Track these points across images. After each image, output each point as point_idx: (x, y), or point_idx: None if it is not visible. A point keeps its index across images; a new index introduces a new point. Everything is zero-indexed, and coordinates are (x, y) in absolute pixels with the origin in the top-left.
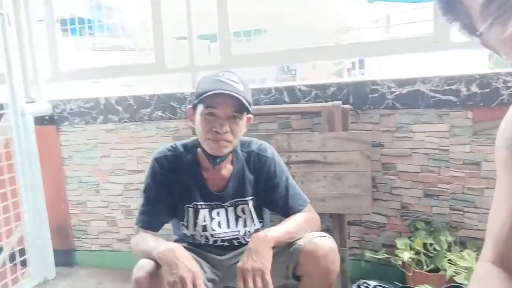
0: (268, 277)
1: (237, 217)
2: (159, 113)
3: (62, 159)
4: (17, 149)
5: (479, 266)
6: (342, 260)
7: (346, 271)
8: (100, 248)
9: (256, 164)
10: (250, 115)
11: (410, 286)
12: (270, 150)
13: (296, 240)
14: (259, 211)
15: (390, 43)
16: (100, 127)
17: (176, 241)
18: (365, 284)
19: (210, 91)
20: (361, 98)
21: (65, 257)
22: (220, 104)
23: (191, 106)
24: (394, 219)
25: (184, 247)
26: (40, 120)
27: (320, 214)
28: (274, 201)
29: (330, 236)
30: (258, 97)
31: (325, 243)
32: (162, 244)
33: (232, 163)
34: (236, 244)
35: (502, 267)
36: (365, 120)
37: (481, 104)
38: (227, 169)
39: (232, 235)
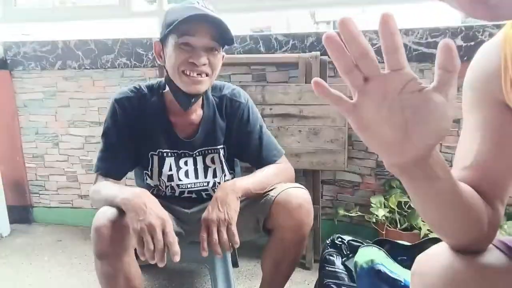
0: (234, 228)
1: (206, 167)
2: (124, 60)
3: (17, 108)
4: None
5: None
6: (315, 217)
7: (319, 229)
8: (59, 205)
9: (228, 109)
10: (223, 53)
11: (386, 238)
12: (244, 95)
13: (268, 191)
14: (230, 161)
15: None
16: (58, 74)
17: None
18: (339, 239)
19: (183, 16)
20: None
21: (21, 213)
22: (197, 32)
23: (158, 40)
24: (369, 178)
25: None
26: None
27: (294, 171)
28: (246, 151)
29: (304, 187)
30: (232, 47)
31: (299, 194)
32: (127, 190)
33: (202, 107)
34: (204, 196)
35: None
36: None
37: (465, 58)
38: (197, 114)
39: (201, 186)
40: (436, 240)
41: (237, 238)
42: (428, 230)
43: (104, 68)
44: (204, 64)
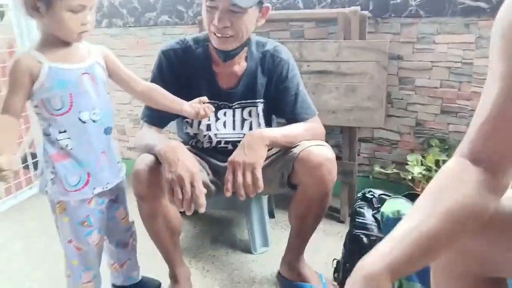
0: (259, 172)
1: (243, 120)
2: (165, 17)
3: None
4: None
5: (452, 160)
6: (350, 174)
7: (353, 184)
8: None
9: (269, 65)
10: (266, 5)
11: (416, 192)
12: (285, 52)
13: (292, 147)
14: (267, 116)
15: None
16: (105, 32)
17: (182, 142)
18: (371, 192)
19: None
20: (382, 4)
21: None
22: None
23: None
24: (408, 136)
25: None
26: None
27: (331, 127)
28: (281, 106)
29: (328, 145)
30: (269, 2)
31: (321, 152)
32: (165, 141)
33: (246, 60)
34: None
35: (476, 163)
36: (385, 29)
37: None
38: (240, 66)
39: (236, 138)
40: None
41: (261, 183)
42: None
43: (147, 26)
44: (225, 27)
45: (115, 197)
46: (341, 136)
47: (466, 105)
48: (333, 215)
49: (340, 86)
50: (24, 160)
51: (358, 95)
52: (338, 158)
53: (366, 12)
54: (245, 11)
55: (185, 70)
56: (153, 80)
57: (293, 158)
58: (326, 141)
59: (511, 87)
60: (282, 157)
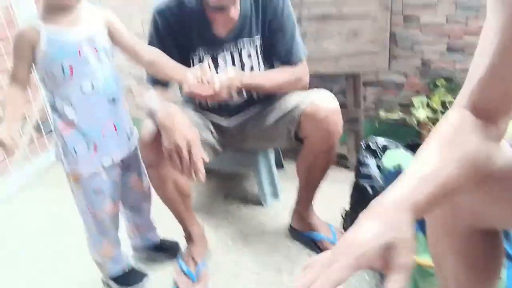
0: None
1: (243, 63)
2: None
3: None
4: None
5: (453, 111)
6: (356, 120)
7: (360, 131)
8: None
9: (265, 2)
10: None
11: (418, 142)
12: None
13: (298, 102)
14: (266, 52)
15: None
16: None
17: (185, 102)
18: (374, 141)
19: None
20: None
21: None
22: None
23: None
24: (414, 77)
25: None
26: None
27: (334, 74)
28: (276, 44)
29: (332, 96)
30: None
31: (326, 104)
32: (163, 106)
33: (240, 2)
34: (243, 93)
35: (475, 113)
36: None
37: None
38: (235, 8)
39: None
40: None
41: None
42: None
43: None
44: None
45: (127, 165)
46: (344, 83)
47: (474, 41)
48: (341, 162)
49: (342, 31)
50: (38, 127)
51: (361, 39)
52: (343, 105)
53: None
54: None
55: (181, 26)
56: (151, 42)
57: (299, 113)
58: (330, 88)
59: (510, 37)
60: (287, 113)
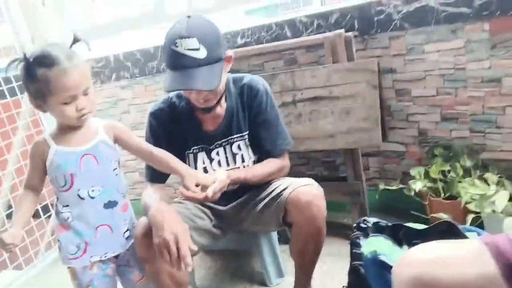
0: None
1: (234, 154)
2: None
3: None
4: (43, 115)
5: None
6: (358, 193)
7: (364, 203)
8: (137, 197)
9: (248, 98)
10: (228, 54)
11: (402, 224)
12: (262, 84)
13: (283, 190)
14: (254, 144)
15: None
16: (115, 85)
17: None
18: (365, 221)
19: (171, 68)
20: (367, 22)
21: None
22: (187, 92)
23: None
24: (413, 146)
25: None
26: None
27: (331, 150)
28: (261, 137)
29: (315, 183)
30: (259, 35)
31: (308, 191)
32: (156, 204)
33: (226, 99)
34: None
35: None
36: (374, 45)
37: (498, 13)
38: (222, 107)
39: None
40: (446, 223)
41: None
42: (470, 198)
43: (152, 74)
44: (205, 100)
45: (127, 262)
46: (343, 158)
47: (466, 110)
48: (348, 234)
49: (334, 110)
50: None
51: (353, 117)
52: (343, 179)
53: (350, 34)
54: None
55: (173, 125)
56: (147, 140)
57: (284, 200)
58: (333, 161)
59: None
60: (275, 200)
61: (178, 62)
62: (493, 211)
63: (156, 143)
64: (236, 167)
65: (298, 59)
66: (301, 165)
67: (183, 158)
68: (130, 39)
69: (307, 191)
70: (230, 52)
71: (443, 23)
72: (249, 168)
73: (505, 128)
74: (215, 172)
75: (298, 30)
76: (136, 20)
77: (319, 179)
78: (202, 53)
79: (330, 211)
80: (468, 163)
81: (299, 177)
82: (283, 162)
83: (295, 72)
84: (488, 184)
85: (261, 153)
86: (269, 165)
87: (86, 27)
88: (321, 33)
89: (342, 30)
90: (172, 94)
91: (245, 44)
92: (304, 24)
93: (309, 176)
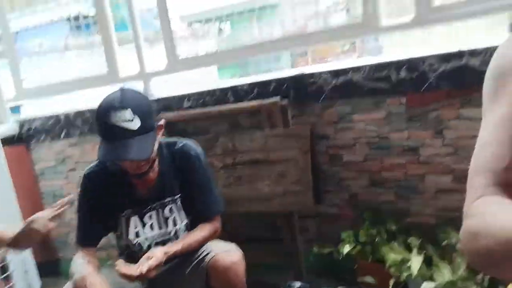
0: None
1: (166, 218)
2: None
3: (36, 175)
4: None
5: (483, 199)
6: (293, 255)
7: (300, 266)
8: None
9: (181, 162)
10: (160, 122)
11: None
12: (195, 148)
13: (204, 255)
14: (187, 206)
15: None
16: (64, 142)
17: (119, 254)
18: (291, 284)
19: (105, 140)
20: (302, 91)
21: (50, 268)
22: (121, 162)
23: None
24: (346, 209)
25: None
26: (10, 140)
27: (267, 213)
28: (194, 201)
29: (234, 248)
30: (204, 100)
31: (227, 257)
32: (81, 271)
33: (159, 163)
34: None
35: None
36: (308, 113)
37: (412, 89)
38: (154, 171)
39: (164, 236)
40: None
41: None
42: (392, 263)
43: None
44: (139, 167)
45: None
46: (279, 219)
47: (391, 176)
48: None
49: (271, 174)
50: None
51: (288, 181)
52: (279, 240)
53: (285, 101)
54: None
55: (107, 188)
56: (79, 203)
57: (205, 266)
58: (273, 222)
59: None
60: (199, 263)
61: (112, 134)
62: (410, 275)
63: (89, 206)
64: (168, 231)
65: (241, 122)
66: (241, 226)
67: (115, 222)
68: (82, 98)
69: (226, 257)
70: (161, 121)
71: (367, 96)
72: (184, 239)
73: (426, 193)
74: (152, 249)
75: (240, 96)
76: (89, 80)
77: (259, 240)
78: (135, 124)
79: (268, 272)
80: (394, 227)
81: (240, 238)
82: (216, 225)
83: (235, 135)
84: (411, 248)
85: (194, 216)
86: (203, 232)
87: (40, 85)
88: (261, 99)
89: (278, 98)
90: None
91: (191, 107)
92: (245, 91)
93: (250, 237)
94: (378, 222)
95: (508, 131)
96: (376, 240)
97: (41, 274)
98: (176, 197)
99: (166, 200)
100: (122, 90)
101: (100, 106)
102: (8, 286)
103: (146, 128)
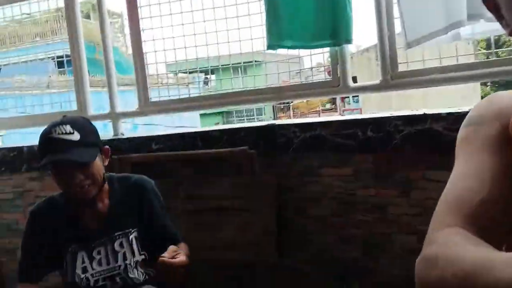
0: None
1: (115, 252)
2: None
3: None
4: None
5: (449, 230)
6: None
7: None
8: None
9: (136, 195)
10: (106, 146)
11: None
12: (149, 182)
13: None
14: (143, 242)
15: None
16: (25, 176)
17: None
18: None
19: (45, 154)
20: (271, 142)
21: None
22: (60, 168)
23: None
24: (312, 266)
25: None
26: None
27: (229, 263)
28: (154, 230)
29: None
30: (173, 143)
31: None
32: None
33: (109, 197)
34: (118, 280)
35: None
36: (277, 164)
37: (378, 148)
38: (103, 204)
39: (114, 271)
40: None
41: None
42: None
43: None
44: (82, 180)
45: None
46: (241, 272)
47: (358, 233)
48: None
49: (235, 222)
50: None
51: (252, 231)
52: None
53: (253, 151)
54: (90, 163)
55: (52, 223)
56: (23, 240)
57: None
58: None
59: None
60: None
61: (52, 147)
62: None
63: (33, 242)
64: (117, 265)
65: (209, 169)
66: (201, 275)
67: (60, 259)
68: None
69: None
70: (107, 146)
71: (335, 151)
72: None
73: (393, 252)
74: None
75: (209, 142)
76: (57, 116)
77: None
78: (75, 136)
79: None
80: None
81: None
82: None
83: (202, 181)
84: None
85: (164, 242)
86: (185, 249)
87: (12, 116)
88: (229, 147)
89: (246, 147)
90: (55, 193)
91: (160, 149)
92: (215, 138)
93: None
94: (343, 281)
95: (483, 167)
96: None
97: None
98: (127, 231)
99: (116, 234)
100: (64, 116)
101: (42, 132)
102: None
103: (87, 142)
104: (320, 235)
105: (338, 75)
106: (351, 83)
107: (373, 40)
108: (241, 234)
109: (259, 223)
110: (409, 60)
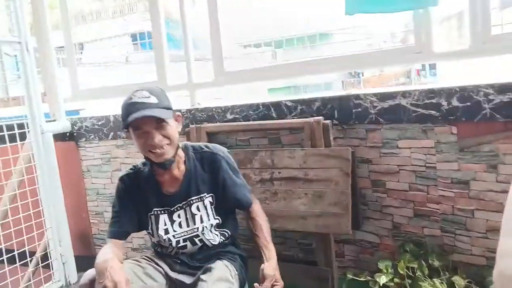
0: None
1: (193, 215)
2: None
3: (82, 172)
4: (38, 164)
5: None
6: (326, 280)
7: None
8: None
9: (208, 162)
10: (177, 113)
11: None
12: (221, 149)
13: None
14: (217, 207)
15: (375, 55)
16: (111, 143)
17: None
18: None
19: (128, 115)
20: (346, 113)
21: (87, 262)
22: (142, 123)
23: (126, 130)
24: (386, 239)
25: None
26: (62, 137)
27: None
28: (229, 197)
29: (227, 280)
30: (247, 113)
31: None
32: (104, 256)
33: (185, 163)
34: (197, 242)
35: None
36: (352, 135)
37: (464, 118)
38: (180, 170)
39: (192, 233)
40: None
41: None
42: None
43: None
44: (161, 140)
45: None
46: (314, 241)
47: (437, 209)
48: None
49: (308, 192)
50: (37, 263)
51: (325, 201)
52: (313, 263)
53: (328, 122)
54: (167, 121)
55: (138, 189)
56: (114, 202)
57: None
58: (309, 244)
59: None
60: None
61: (134, 107)
62: None
63: (121, 204)
64: (195, 227)
65: (281, 139)
66: (278, 244)
67: (146, 220)
68: None
69: None
70: (178, 112)
71: (415, 122)
72: (264, 238)
73: (474, 231)
74: (265, 271)
75: (283, 112)
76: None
77: (293, 260)
78: (153, 100)
79: None
80: (437, 263)
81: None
82: (258, 206)
83: (274, 151)
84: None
85: (239, 207)
86: (262, 218)
87: (96, 87)
88: (304, 117)
89: (321, 117)
90: (139, 162)
91: (234, 120)
92: (289, 108)
93: (281, 256)
94: (420, 255)
95: None
96: (417, 274)
97: (79, 267)
98: (202, 195)
99: (192, 198)
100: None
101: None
102: (47, 274)
103: (163, 106)
104: (397, 209)
105: (422, 41)
106: (436, 49)
107: (456, 7)
108: (315, 205)
109: (334, 194)
110: (504, 22)
